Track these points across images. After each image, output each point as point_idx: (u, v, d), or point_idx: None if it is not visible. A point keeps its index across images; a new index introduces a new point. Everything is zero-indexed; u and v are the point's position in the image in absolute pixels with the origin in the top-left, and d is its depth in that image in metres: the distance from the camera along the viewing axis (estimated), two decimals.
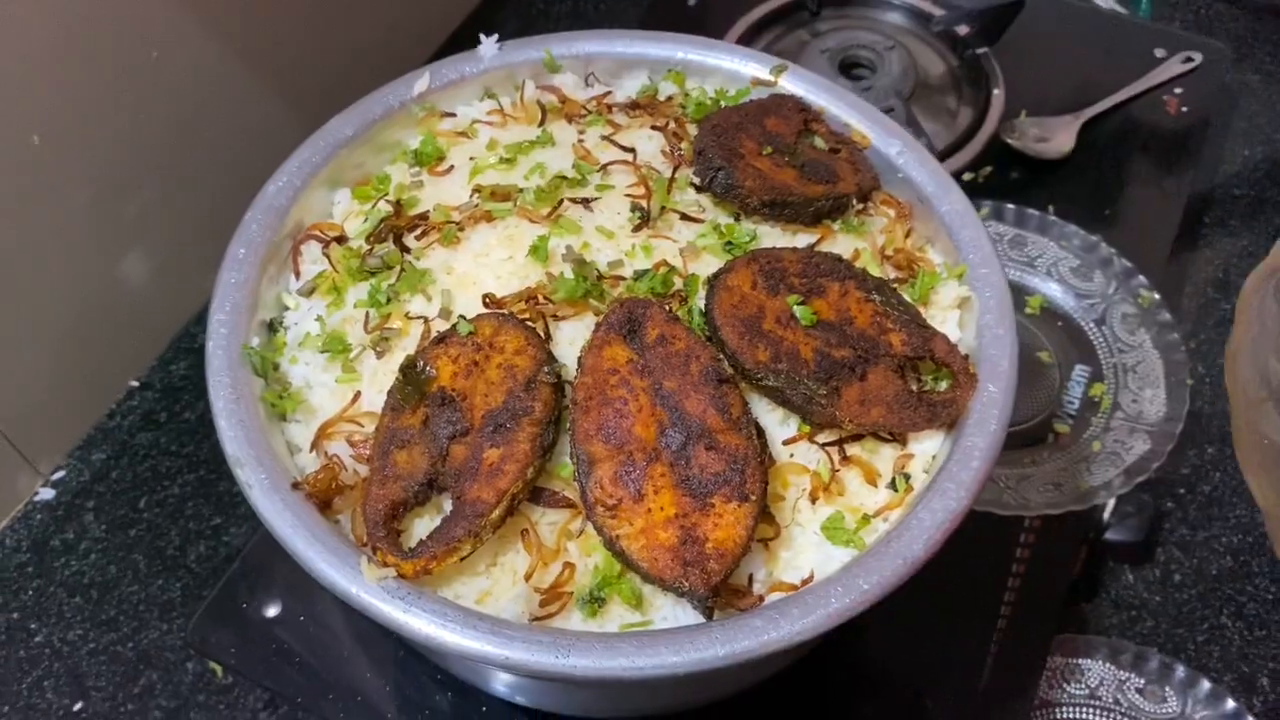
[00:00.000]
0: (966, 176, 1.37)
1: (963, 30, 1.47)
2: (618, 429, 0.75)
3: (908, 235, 0.92)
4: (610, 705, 0.97)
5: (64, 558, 1.16)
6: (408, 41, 1.53)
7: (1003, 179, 1.38)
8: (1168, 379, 1.16)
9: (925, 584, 0.92)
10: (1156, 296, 1.21)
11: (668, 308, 0.81)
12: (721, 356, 0.79)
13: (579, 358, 0.78)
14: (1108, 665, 1.09)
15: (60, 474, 1.23)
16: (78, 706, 1.06)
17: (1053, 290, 1.26)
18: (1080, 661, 1.09)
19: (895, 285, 0.88)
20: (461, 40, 1.56)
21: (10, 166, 1.04)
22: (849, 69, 1.44)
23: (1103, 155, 1.42)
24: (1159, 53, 1.48)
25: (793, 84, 0.99)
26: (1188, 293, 1.38)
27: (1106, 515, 1.15)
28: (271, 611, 1.05)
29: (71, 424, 1.25)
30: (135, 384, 1.30)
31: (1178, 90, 1.46)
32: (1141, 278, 1.22)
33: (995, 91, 1.43)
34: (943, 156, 1.37)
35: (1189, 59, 1.44)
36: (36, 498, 1.21)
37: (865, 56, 1.43)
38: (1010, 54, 1.48)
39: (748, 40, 1.50)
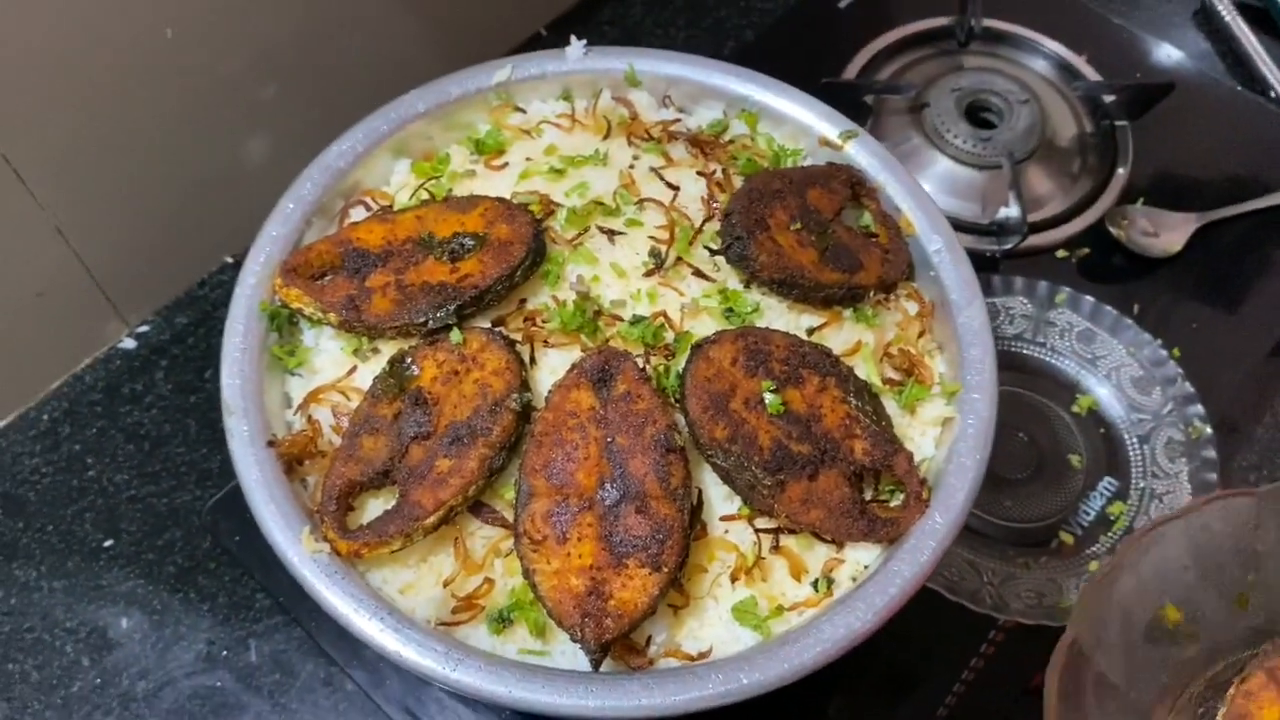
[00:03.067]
0: (1060, 254, 1.32)
1: (1106, 99, 1.40)
2: (562, 470, 0.79)
3: (920, 335, 0.92)
4: None
5: (129, 405, 1.28)
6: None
7: (1099, 264, 1.33)
8: None
9: (872, 655, 0.94)
10: (1209, 431, 1.16)
11: (647, 364, 0.84)
12: (680, 425, 0.82)
13: (548, 392, 0.82)
14: None
15: (144, 328, 1.34)
16: (108, 543, 1.19)
17: (1106, 395, 1.23)
18: None
19: (889, 386, 0.88)
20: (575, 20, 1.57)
21: (144, 52, 1.12)
22: (976, 112, 1.39)
23: (1212, 264, 1.34)
24: None
25: (858, 153, 0.98)
26: (1266, 423, 1.31)
27: None
28: None
29: (164, 285, 1.36)
30: (229, 260, 1.40)
31: None
32: (1200, 407, 1.17)
33: (1119, 170, 1.37)
34: (1044, 227, 1.33)
35: None
36: (119, 345, 1.33)
37: (995, 104, 1.38)
38: (1150, 133, 1.40)
39: (886, 57, 1.46)
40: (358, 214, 0.96)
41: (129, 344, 1.33)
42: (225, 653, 1.13)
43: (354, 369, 0.87)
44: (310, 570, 0.77)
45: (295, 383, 0.89)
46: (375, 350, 0.87)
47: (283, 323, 0.89)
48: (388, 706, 1.05)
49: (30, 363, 1.25)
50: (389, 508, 0.80)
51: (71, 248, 1.19)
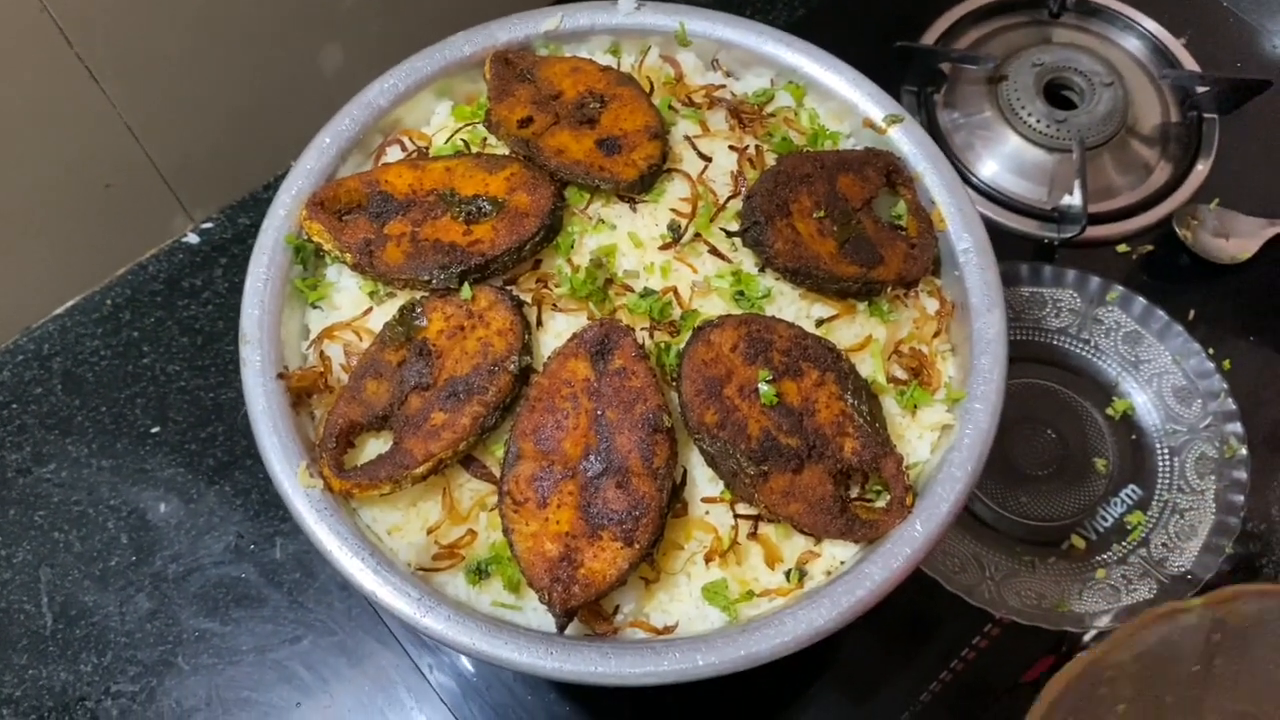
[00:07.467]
0: (1121, 248, 1.28)
1: (1199, 89, 1.33)
2: (551, 437, 0.81)
3: (936, 335, 0.91)
4: None
5: (187, 299, 1.33)
6: None
7: (1161, 263, 1.28)
8: (1210, 538, 1.10)
9: (863, 632, 0.95)
10: (1243, 452, 1.13)
11: (650, 339, 0.85)
12: (672, 405, 0.83)
13: (547, 359, 0.84)
14: None
15: (208, 225, 1.39)
16: (155, 430, 1.25)
17: (1143, 401, 1.20)
18: None
19: (893, 384, 0.88)
20: None
21: None
22: (1055, 91, 1.34)
23: None
24: None
25: (901, 139, 0.96)
26: None
27: (1088, 637, 1.13)
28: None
29: (230, 185, 1.40)
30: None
31: None
32: (1239, 426, 1.14)
33: (1199, 166, 1.31)
34: (1111, 218, 1.29)
35: None
36: (183, 239, 1.38)
37: (1077, 84, 1.33)
38: (1238, 130, 1.33)
39: (972, 21, 1.41)
40: (394, 152, 0.97)
41: (192, 239, 1.37)
42: (252, 547, 1.19)
43: (369, 310, 0.90)
44: (303, 503, 0.81)
45: (315, 315, 0.92)
46: (391, 294, 0.89)
47: (308, 256, 0.92)
48: (390, 620, 1.10)
49: (97, 249, 1.31)
50: (383, 452, 0.83)
51: (140, 145, 1.24)
